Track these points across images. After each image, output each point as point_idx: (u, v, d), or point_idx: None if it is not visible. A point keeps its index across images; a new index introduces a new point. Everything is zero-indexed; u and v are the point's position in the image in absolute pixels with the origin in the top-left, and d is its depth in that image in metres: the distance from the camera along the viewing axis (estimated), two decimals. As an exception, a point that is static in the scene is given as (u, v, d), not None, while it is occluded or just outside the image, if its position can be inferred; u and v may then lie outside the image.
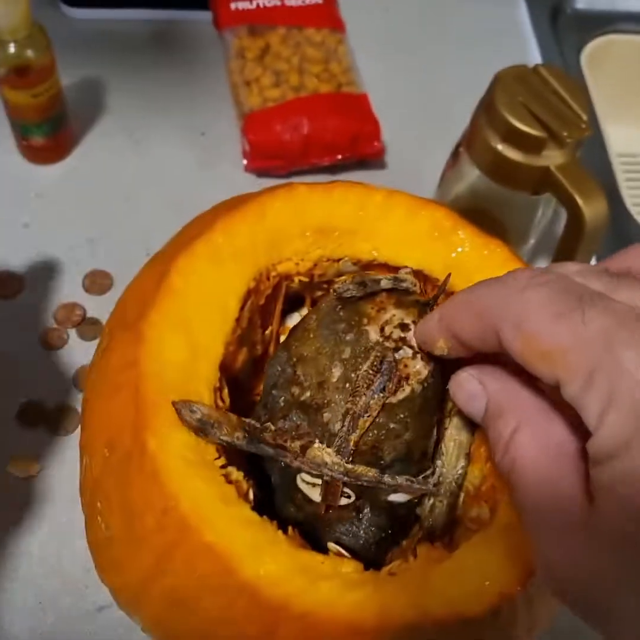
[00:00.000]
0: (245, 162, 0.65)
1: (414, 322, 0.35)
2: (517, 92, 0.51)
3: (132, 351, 0.34)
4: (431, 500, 0.37)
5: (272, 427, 0.34)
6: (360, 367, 0.34)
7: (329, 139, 0.64)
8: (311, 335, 0.36)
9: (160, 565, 0.32)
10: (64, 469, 0.51)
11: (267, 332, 0.41)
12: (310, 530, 0.36)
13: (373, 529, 0.36)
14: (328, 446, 0.34)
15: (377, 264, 0.40)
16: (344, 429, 0.34)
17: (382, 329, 0.35)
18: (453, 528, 0.37)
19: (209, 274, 0.36)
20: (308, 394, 0.35)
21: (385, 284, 0.36)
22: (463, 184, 0.56)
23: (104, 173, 0.65)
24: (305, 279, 0.40)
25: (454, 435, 0.38)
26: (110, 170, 0.66)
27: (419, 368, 0.34)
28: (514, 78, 0.52)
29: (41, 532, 0.49)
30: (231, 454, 0.34)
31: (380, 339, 0.35)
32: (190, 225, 0.40)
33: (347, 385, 0.34)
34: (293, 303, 0.43)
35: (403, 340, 0.35)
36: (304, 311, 0.44)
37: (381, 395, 0.34)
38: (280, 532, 0.33)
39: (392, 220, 0.40)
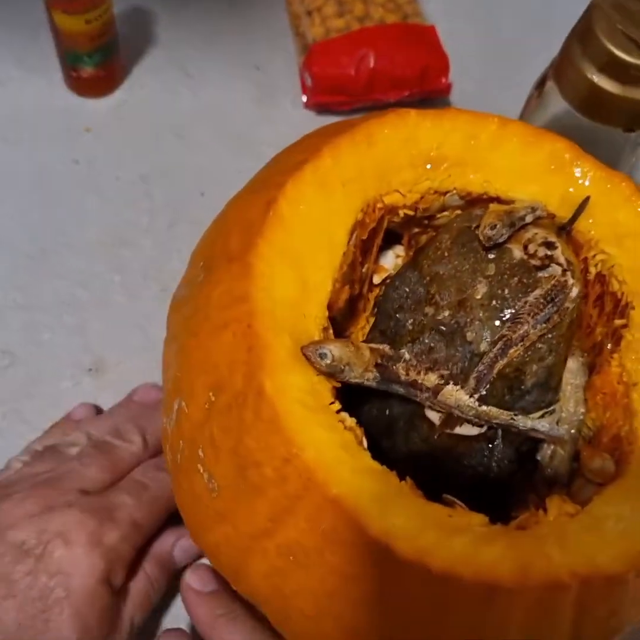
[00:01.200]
0: (305, 98, 0.62)
1: (557, 241, 0.33)
2: (616, 19, 0.47)
3: (241, 285, 0.31)
4: (551, 447, 0.35)
5: (407, 356, 0.32)
6: (509, 283, 0.33)
7: (397, 73, 0.60)
8: (446, 254, 0.34)
9: (279, 518, 0.29)
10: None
11: (364, 269, 0.38)
12: (426, 474, 0.34)
13: (505, 462, 0.34)
14: (469, 369, 0.32)
15: (488, 198, 0.37)
16: (491, 355, 0.32)
17: (525, 247, 0.33)
18: (572, 479, 0.35)
19: (318, 203, 0.33)
20: (446, 313, 0.33)
21: (529, 218, 0.33)
22: (546, 118, 0.53)
23: (155, 108, 0.62)
24: (411, 212, 0.37)
25: (569, 379, 0.36)
26: (162, 105, 0.62)
27: (572, 284, 0.33)
28: (612, 5, 0.48)
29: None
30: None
31: (525, 257, 0.33)
32: (290, 151, 0.37)
33: (494, 302, 0.33)
34: (386, 240, 0.40)
35: (550, 258, 0.33)
36: (399, 250, 0.41)
37: (543, 326, 0.32)
38: (403, 482, 0.30)
39: (506, 151, 0.37)
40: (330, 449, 0.29)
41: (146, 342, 0.53)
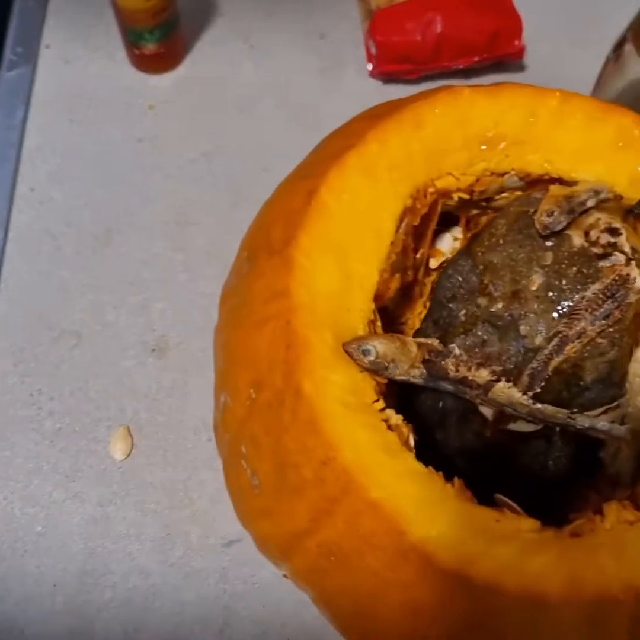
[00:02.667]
0: (370, 66, 0.60)
1: (623, 226, 0.31)
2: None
3: (281, 280, 0.30)
4: (615, 444, 0.33)
5: (457, 351, 0.31)
6: (567, 274, 0.31)
7: (465, 38, 0.57)
8: (501, 241, 0.33)
9: (318, 520, 0.29)
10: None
11: (418, 255, 0.37)
12: (478, 470, 0.32)
13: (563, 460, 0.33)
14: (523, 365, 0.31)
15: (549, 179, 0.35)
16: (546, 351, 0.30)
17: (586, 234, 0.31)
18: (637, 481, 0.33)
19: (363, 191, 0.32)
20: (499, 305, 0.32)
21: (591, 202, 0.31)
22: (627, 83, 0.49)
23: (218, 82, 0.61)
24: (466, 196, 0.35)
25: (638, 371, 0.34)
26: (225, 79, 0.61)
27: (635, 276, 0.30)
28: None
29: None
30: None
31: (586, 245, 0.31)
32: (335, 135, 0.36)
33: (550, 294, 0.31)
34: (442, 222, 0.39)
35: (613, 245, 0.31)
36: (457, 232, 0.39)
37: (602, 322, 0.30)
38: (448, 485, 0.29)
39: (569, 128, 0.35)
40: (370, 450, 0.28)
41: (208, 322, 0.52)
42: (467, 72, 0.60)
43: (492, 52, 0.59)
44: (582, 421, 0.31)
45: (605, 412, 0.32)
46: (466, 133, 0.34)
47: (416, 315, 0.39)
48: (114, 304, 0.53)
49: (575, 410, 0.31)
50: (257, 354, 0.31)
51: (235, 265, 0.36)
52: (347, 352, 0.29)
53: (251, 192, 0.57)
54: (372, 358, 0.29)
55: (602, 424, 0.31)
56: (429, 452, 0.33)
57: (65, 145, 0.58)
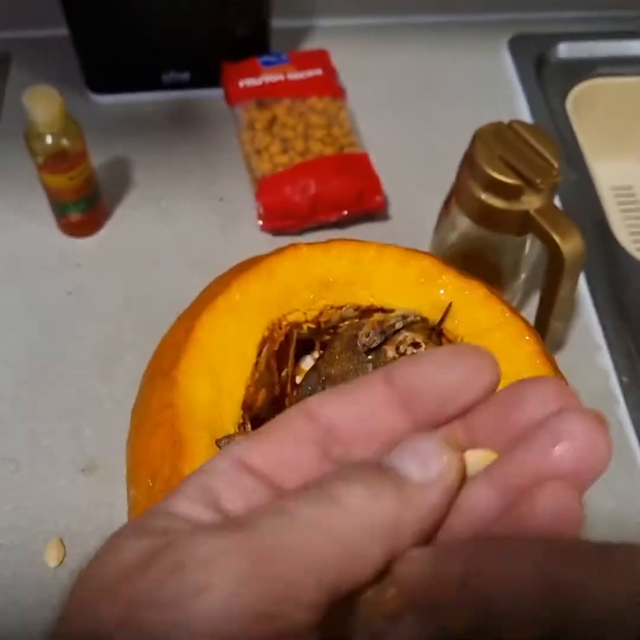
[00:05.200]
0: (260, 223, 0.72)
1: (423, 341, 0.42)
2: (494, 146, 0.57)
3: (168, 394, 0.40)
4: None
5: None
6: None
7: (335, 197, 0.70)
8: (337, 357, 0.43)
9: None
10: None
11: (283, 373, 0.48)
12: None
13: None
14: None
15: (375, 308, 0.46)
16: None
17: (397, 348, 0.42)
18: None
19: (229, 326, 0.43)
20: None
21: (398, 325, 0.42)
22: (456, 231, 0.62)
23: (135, 241, 0.73)
24: (313, 326, 0.46)
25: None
26: (141, 238, 0.73)
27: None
28: (491, 134, 0.58)
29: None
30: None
31: (397, 356, 0.41)
32: (211, 285, 0.47)
33: None
34: (305, 347, 0.50)
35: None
36: (315, 354, 0.50)
37: None
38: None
39: (385, 270, 0.46)
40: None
41: (130, 442, 0.62)
42: (341, 223, 0.73)
43: (358, 206, 0.72)
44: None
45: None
46: (308, 278, 0.46)
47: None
48: (49, 430, 0.62)
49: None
50: (152, 451, 0.40)
51: (140, 388, 0.46)
52: (218, 445, 0.39)
53: (164, 330, 0.67)
54: (238, 449, 0.39)
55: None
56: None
57: (4, 298, 0.69)
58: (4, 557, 0.56)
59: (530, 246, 0.62)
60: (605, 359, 0.69)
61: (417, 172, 0.78)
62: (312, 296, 0.45)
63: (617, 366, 0.68)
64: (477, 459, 0.24)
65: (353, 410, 0.25)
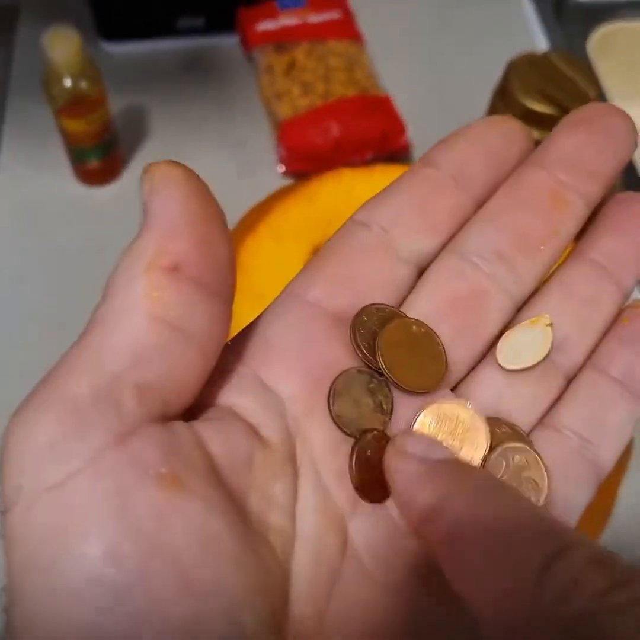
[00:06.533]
0: (281, 167, 0.71)
1: None
2: (529, 76, 0.56)
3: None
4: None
5: None
6: None
7: (358, 138, 0.69)
8: None
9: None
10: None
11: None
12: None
13: None
14: None
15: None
16: None
17: None
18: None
19: (273, 251, 0.41)
20: None
21: None
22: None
23: (153, 190, 0.71)
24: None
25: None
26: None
27: None
28: (526, 64, 0.57)
29: None
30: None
31: None
32: (250, 212, 0.46)
33: None
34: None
35: None
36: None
37: None
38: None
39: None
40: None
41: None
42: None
43: (383, 148, 0.70)
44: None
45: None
46: (350, 202, 0.44)
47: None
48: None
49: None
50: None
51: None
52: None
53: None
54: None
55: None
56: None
57: (22, 249, 0.67)
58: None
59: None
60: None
61: (438, 115, 0.76)
62: (354, 221, 0.44)
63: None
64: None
65: (407, 203, 0.26)
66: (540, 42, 0.84)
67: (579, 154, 0.26)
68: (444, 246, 0.26)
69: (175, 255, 0.21)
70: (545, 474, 0.24)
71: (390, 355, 0.25)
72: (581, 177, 0.26)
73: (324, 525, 0.22)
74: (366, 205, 0.26)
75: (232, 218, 0.69)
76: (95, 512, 0.18)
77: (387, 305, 0.25)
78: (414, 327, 0.25)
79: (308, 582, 0.21)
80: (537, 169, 0.26)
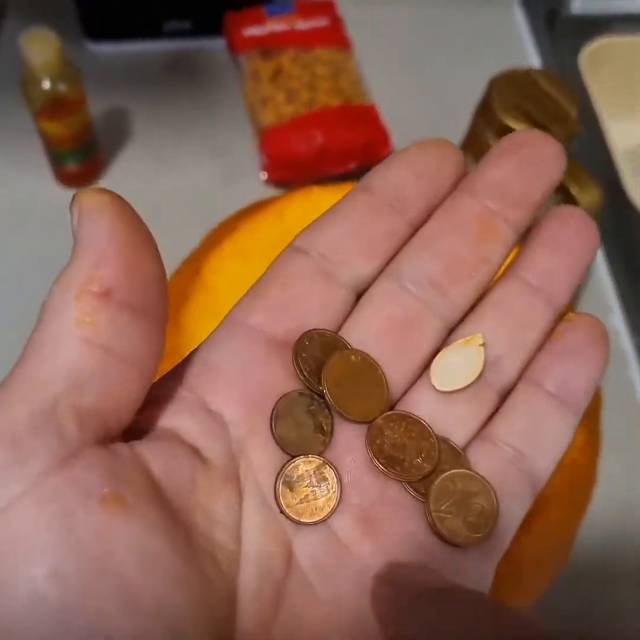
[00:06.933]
0: (264, 174, 0.70)
1: None
2: (510, 94, 0.55)
3: (172, 340, 0.38)
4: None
5: None
6: None
7: (341, 148, 0.68)
8: None
9: None
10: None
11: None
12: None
13: None
14: None
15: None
16: None
17: None
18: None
19: (238, 270, 0.41)
20: None
21: None
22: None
23: (133, 193, 0.69)
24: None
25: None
26: (139, 190, 0.69)
27: None
28: (507, 81, 0.56)
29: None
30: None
31: None
32: (216, 229, 0.45)
33: None
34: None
35: None
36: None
37: None
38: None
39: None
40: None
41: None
42: (348, 176, 0.71)
43: (365, 158, 0.69)
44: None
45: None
46: (318, 221, 0.44)
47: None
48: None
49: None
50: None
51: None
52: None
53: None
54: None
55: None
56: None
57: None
58: None
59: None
60: (616, 320, 0.67)
61: (425, 125, 0.75)
62: (323, 240, 0.43)
63: (631, 327, 0.66)
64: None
65: (344, 228, 0.27)
66: (531, 55, 0.84)
67: (508, 182, 0.26)
68: (381, 270, 0.27)
69: (105, 280, 0.21)
70: (494, 500, 0.24)
71: (335, 391, 0.25)
72: (510, 205, 0.26)
73: (267, 543, 0.22)
74: (305, 231, 0.27)
75: (213, 225, 0.68)
76: (38, 535, 0.18)
77: (327, 330, 0.26)
78: (353, 357, 0.25)
79: (253, 598, 0.21)
80: (468, 196, 0.26)
